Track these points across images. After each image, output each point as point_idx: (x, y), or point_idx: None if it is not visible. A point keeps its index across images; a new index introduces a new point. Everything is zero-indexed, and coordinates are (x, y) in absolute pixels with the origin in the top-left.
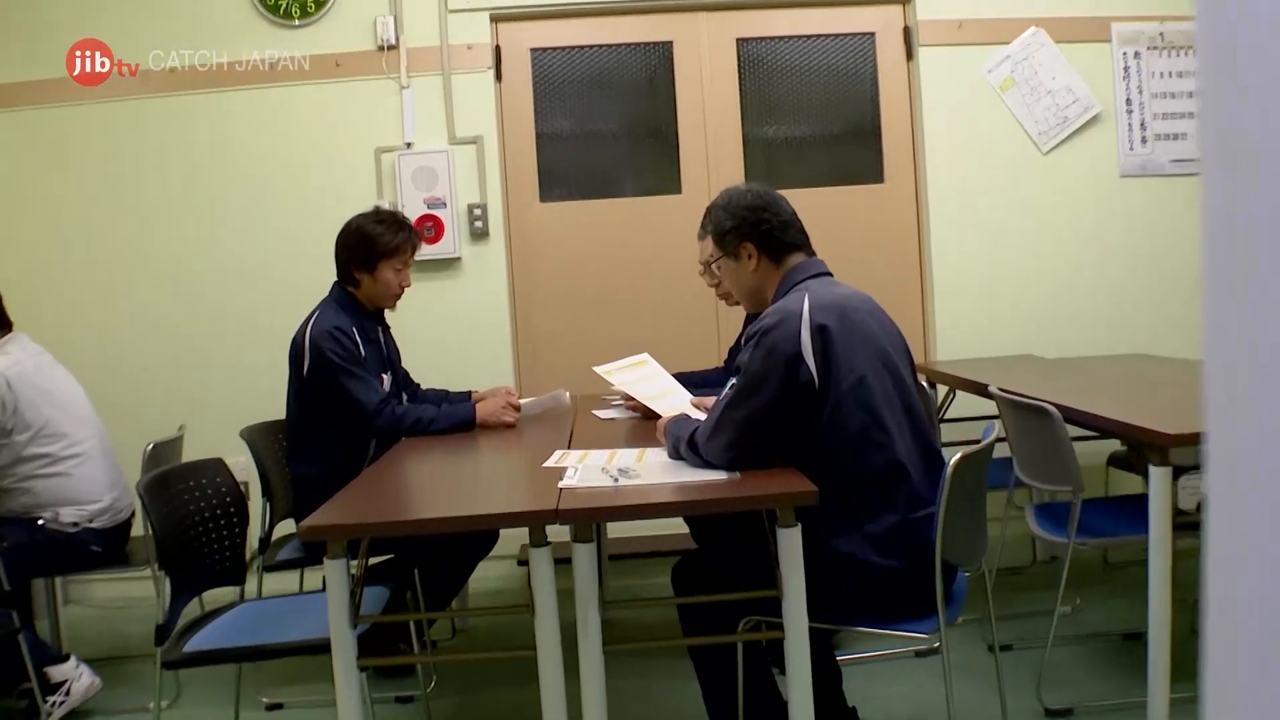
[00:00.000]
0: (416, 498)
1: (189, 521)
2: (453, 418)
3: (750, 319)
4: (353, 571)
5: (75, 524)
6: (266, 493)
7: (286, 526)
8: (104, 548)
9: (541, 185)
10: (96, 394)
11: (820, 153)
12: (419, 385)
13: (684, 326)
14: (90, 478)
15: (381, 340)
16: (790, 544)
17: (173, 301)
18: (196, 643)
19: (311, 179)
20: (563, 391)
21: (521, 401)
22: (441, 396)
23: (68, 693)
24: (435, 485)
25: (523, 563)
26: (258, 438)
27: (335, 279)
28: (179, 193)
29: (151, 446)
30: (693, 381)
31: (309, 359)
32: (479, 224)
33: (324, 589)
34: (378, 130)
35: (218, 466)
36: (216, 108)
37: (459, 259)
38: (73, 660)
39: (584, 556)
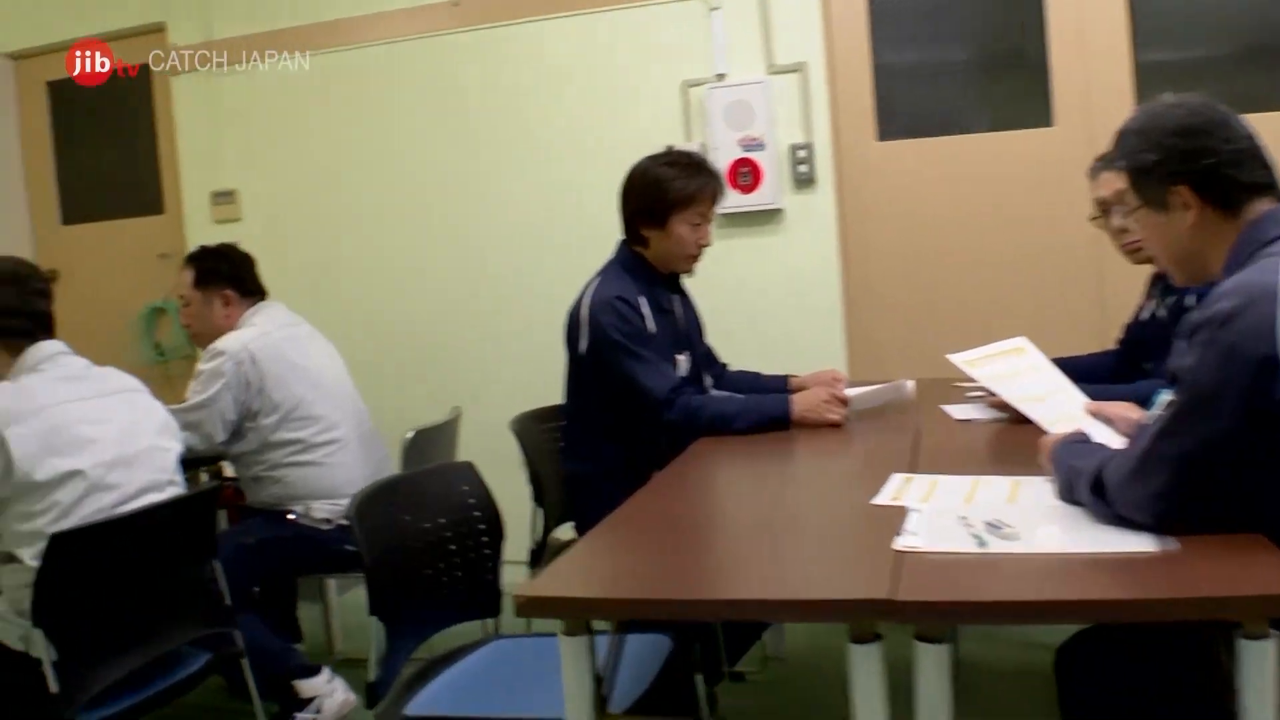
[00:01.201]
0: (685, 554)
1: (417, 545)
2: (761, 414)
3: (1169, 287)
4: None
5: (328, 520)
6: (538, 495)
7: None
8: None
9: (880, 120)
10: (358, 372)
11: (1240, 79)
12: (725, 366)
13: (1058, 292)
14: (346, 468)
15: (678, 311)
16: (1258, 665)
17: (447, 268)
18: (424, 704)
19: (607, 123)
20: (905, 382)
21: (850, 393)
22: (751, 381)
23: (318, 710)
24: (715, 532)
25: None
26: (529, 428)
27: (621, 238)
28: (449, 144)
29: (413, 435)
30: (1074, 371)
31: (587, 335)
32: (803, 168)
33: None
34: (683, 61)
35: (464, 472)
36: (492, 48)
37: (779, 211)
38: (325, 673)
39: (932, 664)
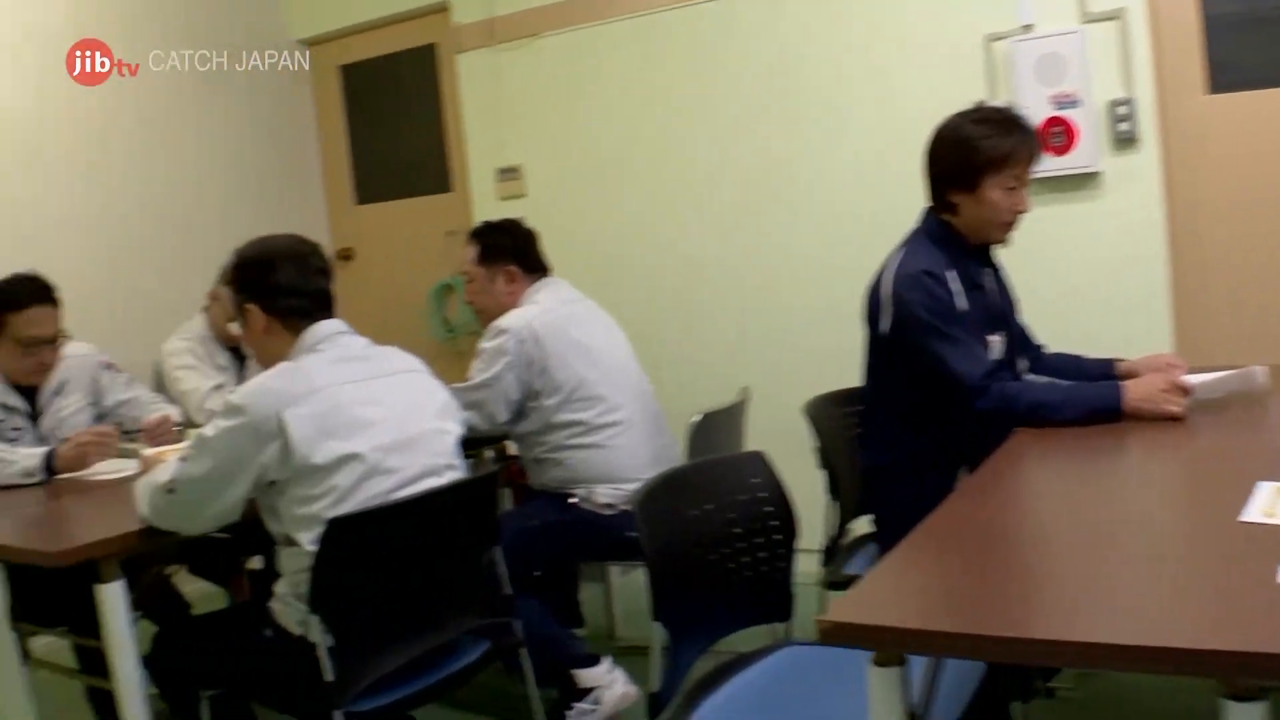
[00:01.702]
0: (1004, 578)
1: (703, 543)
2: (1088, 404)
3: None
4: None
5: (610, 505)
6: (833, 486)
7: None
8: None
9: (1211, 69)
10: (642, 351)
11: None
12: (1041, 348)
13: None
14: (630, 451)
15: (990, 286)
16: None
17: (734, 241)
18: (709, 718)
19: (902, 84)
20: (1256, 368)
21: (1192, 380)
22: (1073, 366)
23: (596, 702)
24: (1039, 550)
25: None
26: (823, 412)
27: (926, 205)
28: (734, 114)
29: (700, 418)
30: None
31: (890, 313)
32: (1124, 126)
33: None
34: (984, 12)
35: (754, 462)
36: (775, 9)
37: (1097, 174)
38: (606, 664)
39: None
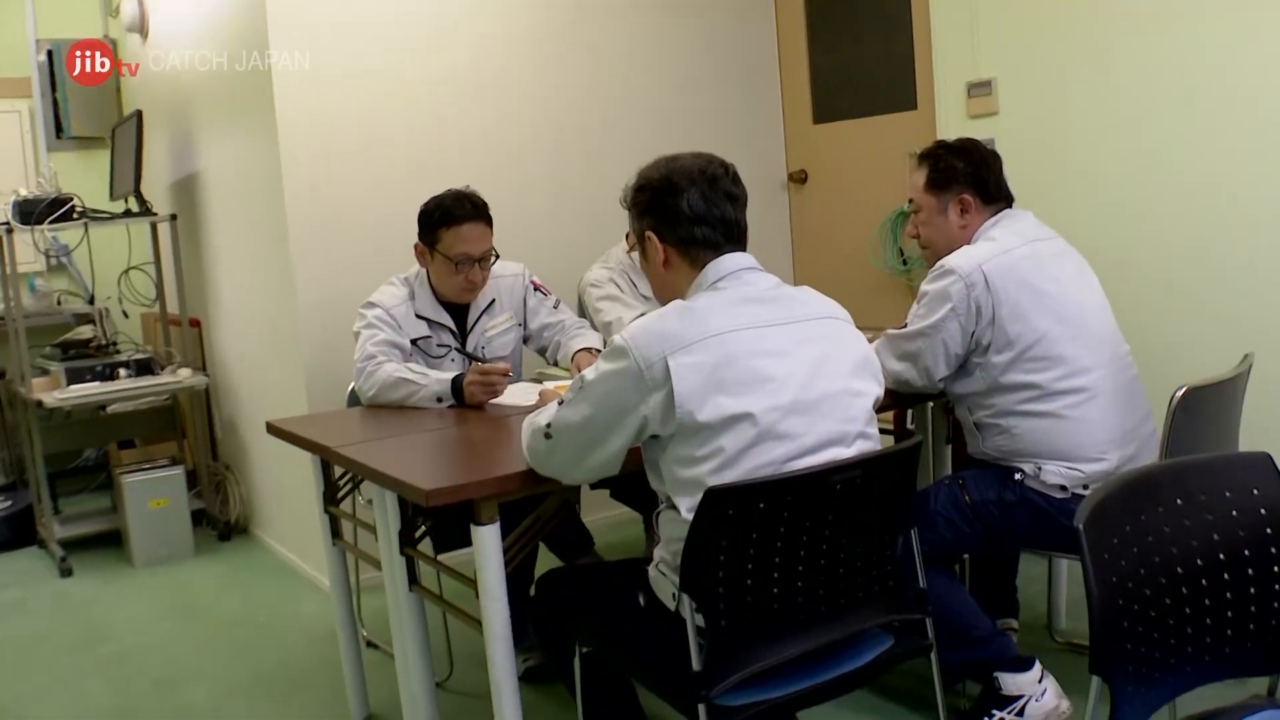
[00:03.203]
0: None
1: (1173, 571)
2: None
3: None
4: None
5: (1063, 488)
6: None
7: None
8: None
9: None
10: (1117, 304)
11: None
12: None
13: None
14: (1093, 425)
15: None
16: None
17: (1247, 176)
18: None
19: None
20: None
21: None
22: None
23: (1020, 714)
24: None
25: None
26: None
27: None
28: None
29: (1183, 391)
30: None
31: None
32: None
33: None
34: None
35: (1257, 467)
36: None
37: None
38: (1036, 669)
39: None
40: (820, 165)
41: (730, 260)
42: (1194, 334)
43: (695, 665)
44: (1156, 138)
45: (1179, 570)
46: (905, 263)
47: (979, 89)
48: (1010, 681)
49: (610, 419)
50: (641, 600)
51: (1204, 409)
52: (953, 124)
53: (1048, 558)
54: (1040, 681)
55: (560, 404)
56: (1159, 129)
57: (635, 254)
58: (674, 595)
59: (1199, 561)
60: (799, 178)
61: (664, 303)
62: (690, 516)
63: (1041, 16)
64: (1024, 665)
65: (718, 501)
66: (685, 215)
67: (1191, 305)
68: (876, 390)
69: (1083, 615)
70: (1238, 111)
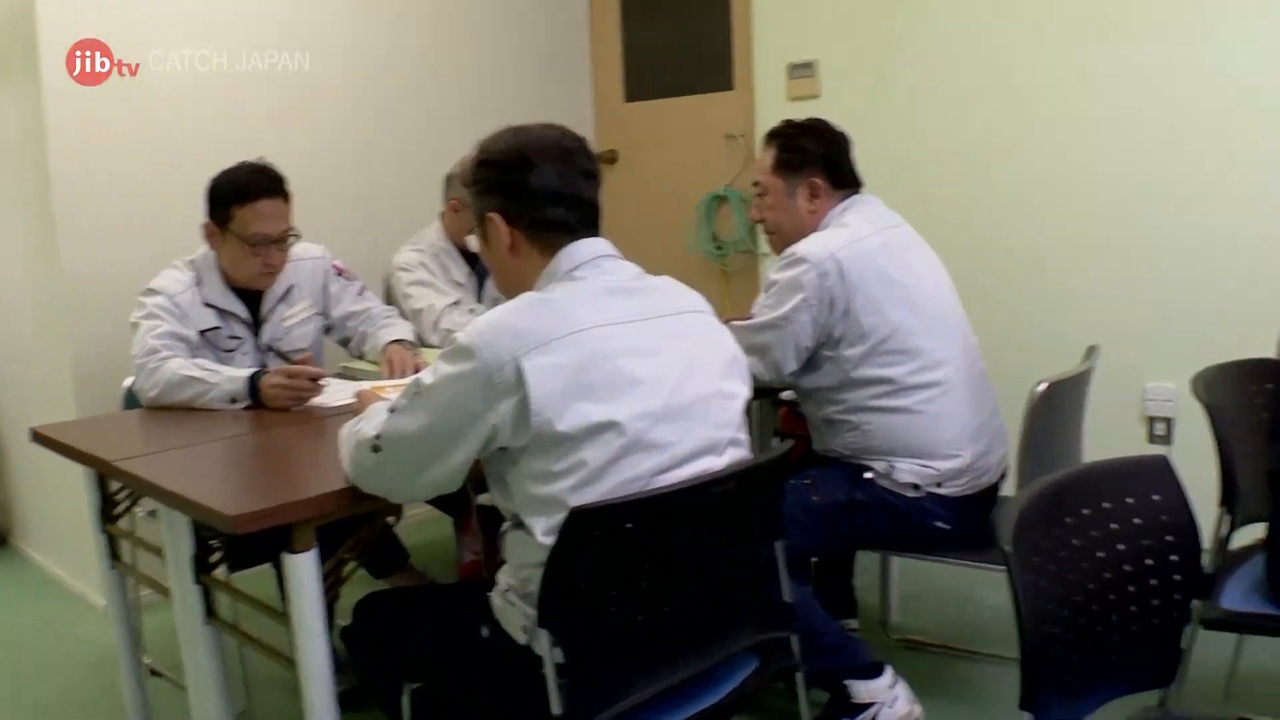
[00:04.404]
0: None
1: (1085, 588)
2: None
3: None
4: None
5: (915, 486)
6: (1228, 489)
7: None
8: (952, 524)
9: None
10: (965, 296)
11: None
12: None
13: None
14: (947, 420)
15: None
16: None
17: (1084, 166)
18: None
19: None
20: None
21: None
22: None
23: None
24: None
25: None
26: (1221, 389)
27: None
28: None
29: (1046, 386)
30: None
31: None
32: None
33: None
34: None
35: (1155, 472)
36: None
37: None
38: (887, 676)
39: None
40: (632, 145)
41: (587, 246)
42: (1036, 327)
43: (555, 708)
44: (981, 122)
45: (1090, 586)
46: (720, 247)
47: (800, 70)
48: (861, 689)
49: (452, 430)
50: (485, 632)
51: (1058, 404)
52: (773, 106)
53: (882, 557)
54: (892, 688)
55: (391, 411)
56: (983, 112)
57: (466, 238)
58: (525, 629)
59: (1107, 575)
60: (609, 158)
61: (509, 295)
62: (548, 540)
63: None
64: (875, 672)
65: (583, 523)
66: (537, 194)
67: (1033, 297)
68: (746, 392)
69: (916, 610)
70: (1063, 106)
